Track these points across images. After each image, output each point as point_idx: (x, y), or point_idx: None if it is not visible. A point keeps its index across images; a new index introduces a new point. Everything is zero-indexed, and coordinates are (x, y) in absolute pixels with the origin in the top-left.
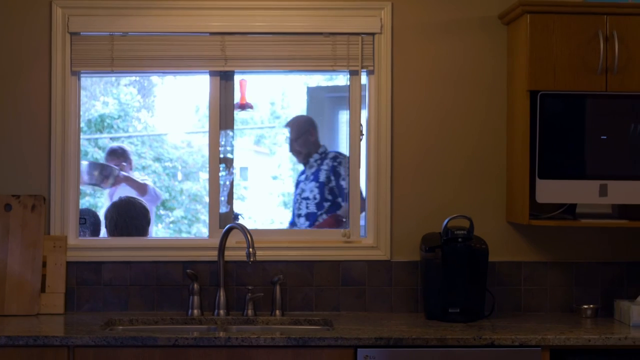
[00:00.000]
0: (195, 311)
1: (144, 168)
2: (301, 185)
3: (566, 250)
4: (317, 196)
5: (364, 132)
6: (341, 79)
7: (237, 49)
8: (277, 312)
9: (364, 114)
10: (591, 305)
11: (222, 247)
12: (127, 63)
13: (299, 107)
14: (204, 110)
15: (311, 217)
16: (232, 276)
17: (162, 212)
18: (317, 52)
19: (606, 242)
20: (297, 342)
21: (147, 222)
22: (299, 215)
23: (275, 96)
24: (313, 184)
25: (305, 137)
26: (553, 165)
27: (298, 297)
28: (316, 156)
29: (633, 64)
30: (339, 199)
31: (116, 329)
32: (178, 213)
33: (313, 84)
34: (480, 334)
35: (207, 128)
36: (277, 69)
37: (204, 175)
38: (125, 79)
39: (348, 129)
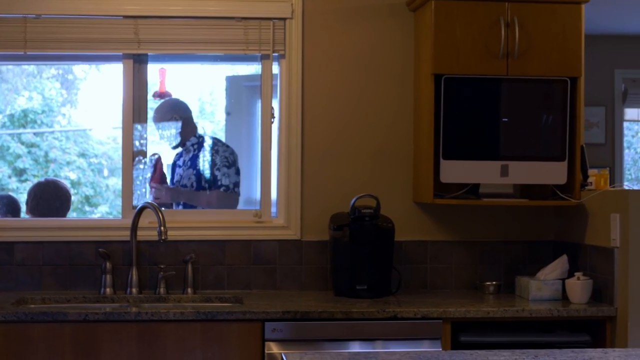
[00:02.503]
0: (108, 290)
1: (68, 164)
2: (178, 171)
3: (471, 230)
4: (195, 184)
5: (276, 115)
6: (260, 69)
7: (151, 33)
8: (189, 290)
9: (277, 98)
10: (494, 282)
11: (134, 227)
12: (41, 45)
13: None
14: None
15: (187, 205)
16: (145, 256)
17: (87, 208)
18: (229, 36)
19: (510, 222)
20: (207, 317)
21: (68, 207)
22: (177, 204)
23: (204, 93)
24: (191, 170)
25: (169, 121)
26: (456, 147)
27: (210, 275)
28: (193, 140)
29: (533, 49)
30: (214, 189)
31: (28, 307)
32: (103, 209)
33: (232, 74)
34: (384, 307)
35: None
36: (190, 52)
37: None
38: (47, 72)
39: (260, 111)
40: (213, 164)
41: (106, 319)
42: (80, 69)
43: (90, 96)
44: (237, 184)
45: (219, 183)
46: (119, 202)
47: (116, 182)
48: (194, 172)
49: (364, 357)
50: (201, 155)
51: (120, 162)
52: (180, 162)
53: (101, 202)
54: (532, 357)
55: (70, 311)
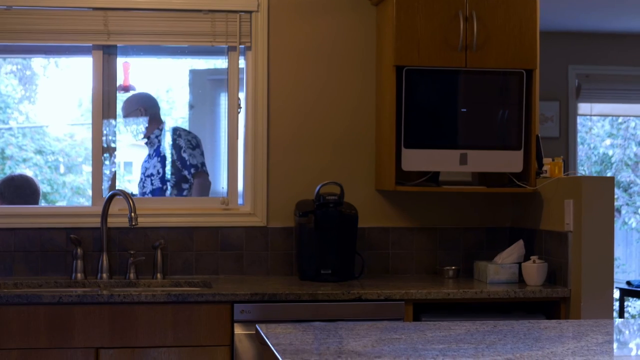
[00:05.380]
0: (79, 275)
1: (25, 161)
2: (144, 164)
3: (431, 217)
4: (160, 171)
5: (242, 105)
6: (223, 63)
7: (120, 24)
8: (159, 275)
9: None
10: (453, 267)
11: (105, 214)
12: (11, 36)
13: (186, 99)
14: (87, 104)
15: (156, 192)
16: (115, 242)
17: (43, 205)
18: (197, 28)
19: (468, 209)
20: (177, 299)
21: (37, 202)
22: (144, 193)
23: (160, 90)
24: (155, 159)
25: (135, 114)
26: (417, 136)
27: (179, 261)
28: (157, 132)
29: (490, 42)
30: (185, 172)
31: (1, 291)
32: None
33: (196, 68)
34: (349, 289)
35: (90, 120)
36: (159, 43)
37: (87, 168)
38: (6, 67)
39: (227, 101)
40: (178, 148)
41: (80, 301)
42: (39, 65)
43: (47, 92)
44: (203, 164)
45: (188, 163)
46: (75, 199)
47: (73, 179)
48: (159, 159)
49: (334, 328)
50: (164, 142)
51: (77, 159)
52: (146, 158)
53: (58, 199)
54: (491, 327)
55: (45, 294)
